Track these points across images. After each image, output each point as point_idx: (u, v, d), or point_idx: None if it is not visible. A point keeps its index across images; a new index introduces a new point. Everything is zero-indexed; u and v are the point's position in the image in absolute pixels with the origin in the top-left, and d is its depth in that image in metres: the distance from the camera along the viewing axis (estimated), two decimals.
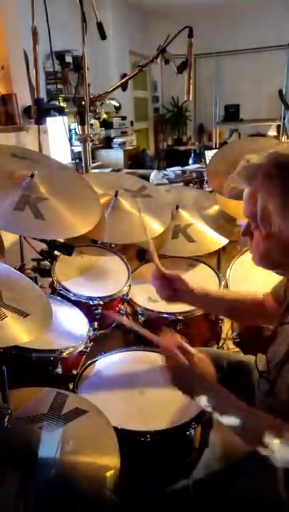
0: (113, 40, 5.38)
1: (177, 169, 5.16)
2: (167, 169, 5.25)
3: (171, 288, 1.30)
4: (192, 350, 1.05)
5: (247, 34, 6.40)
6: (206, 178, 4.38)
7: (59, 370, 1.31)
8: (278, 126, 6.54)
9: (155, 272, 1.29)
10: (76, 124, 2.50)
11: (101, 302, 1.66)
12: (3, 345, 1.06)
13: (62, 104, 3.91)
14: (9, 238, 2.08)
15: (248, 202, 0.94)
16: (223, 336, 1.84)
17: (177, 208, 2.03)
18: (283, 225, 0.89)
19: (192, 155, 5.87)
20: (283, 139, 5.91)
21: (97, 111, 2.37)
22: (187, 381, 1.01)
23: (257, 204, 0.91)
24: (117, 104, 2.69)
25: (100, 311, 1.66)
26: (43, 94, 4.13)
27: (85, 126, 2.30)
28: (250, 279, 1.65)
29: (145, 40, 6.18)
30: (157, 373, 1.31)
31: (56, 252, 1.78)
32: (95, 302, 1.66)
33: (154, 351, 1.43)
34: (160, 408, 1.19)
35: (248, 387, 1.15)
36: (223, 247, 2.00)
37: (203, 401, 0.93)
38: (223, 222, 1.98)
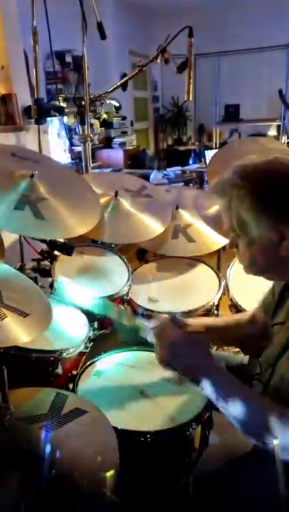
0: (113, 40, 5.36)
1: (177, 169, 5.16)
2: (167, 169, 5.26)
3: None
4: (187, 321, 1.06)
5: (247, 34, 6.38)
6: (206, 178, 4.39)
7: (59, 371, 1.31)
8: (278, 126, 6.55)
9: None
10: (76, 124, 2.50)
11: None
12: (3, 345, 1.06)
13: (62, 104, 3.91)
14: (9, 238, 2.08)
15: (225, 215, 0.98)
16: None
17: (177, 207, 2.03)
18: (260, 230, 0.92)
19: (192, 155, 5.87)
20: (283, 139, 5.91)
21: (97, 111, 2.37)
22: (187, 359, 0.98)
23: (232, 215, 0.96)
24: (117, 104, 2.67)
25: None
26: (43, 94, 4.12)
27: (85, 126, 2.30)
28: (250, 278, 1.65)
29: (145, 40, 6.16)
30: (157, 373, 1.32)
31: (56, 252, 1.77)
32: None
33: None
34: (160, 408, 1.19)
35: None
36: (223, 247, 2.00)
37: (206, 385, 0.92)
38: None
